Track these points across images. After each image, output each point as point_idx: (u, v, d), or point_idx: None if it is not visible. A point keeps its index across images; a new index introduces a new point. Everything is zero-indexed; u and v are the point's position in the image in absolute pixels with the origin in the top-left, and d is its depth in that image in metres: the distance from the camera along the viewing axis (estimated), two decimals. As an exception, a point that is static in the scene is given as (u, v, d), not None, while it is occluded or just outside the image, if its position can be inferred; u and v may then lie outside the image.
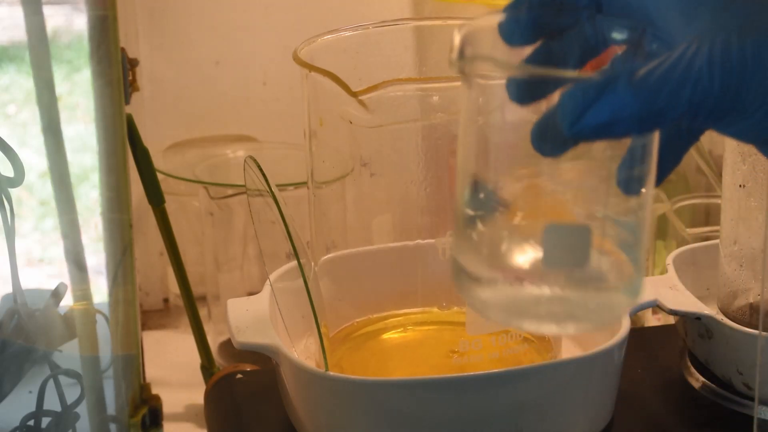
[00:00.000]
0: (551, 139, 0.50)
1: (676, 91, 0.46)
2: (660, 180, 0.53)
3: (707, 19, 0.48)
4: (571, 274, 0.50)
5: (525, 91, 0.50)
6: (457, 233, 0.52)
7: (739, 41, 0.46)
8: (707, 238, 0.97)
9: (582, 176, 0.51)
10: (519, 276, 0.50)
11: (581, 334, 0.82)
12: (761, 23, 0.47)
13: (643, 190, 0.51)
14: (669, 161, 0.53)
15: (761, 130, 0.48)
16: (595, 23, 0.52)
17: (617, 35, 0.52)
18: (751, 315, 0.81)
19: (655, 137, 0.50)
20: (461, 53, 0.50)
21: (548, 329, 0.55)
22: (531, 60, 0.54)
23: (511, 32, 0.53)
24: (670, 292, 0.81)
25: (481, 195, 0.51)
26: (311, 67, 0.73)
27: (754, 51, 0.46)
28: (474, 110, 0.51)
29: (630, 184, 0.50)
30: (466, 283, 0.52)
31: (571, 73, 0.50)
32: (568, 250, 0.49)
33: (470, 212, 0.51)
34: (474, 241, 0.51)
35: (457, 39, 0.50)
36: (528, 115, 0.51)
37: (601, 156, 0.50)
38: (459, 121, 0.52)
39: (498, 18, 0.53)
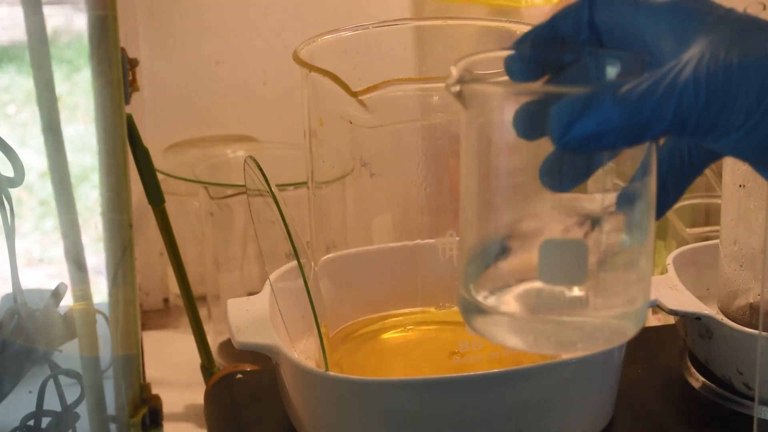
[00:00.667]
0: (560, 175, 0.52)
1: (661, 103, 0.48)
2: (663, 212, 0.54)
3: (698, 39, 0.49)
4: (569, 294, 0.51)
5: (530, 124, 0.51)
6: (462, 268, 0.53)
7: (726, 57, 0.48)
8: (707, 238, 0.97)
9: (584, 203, 0.52)
10: (522, 304, 0.51)
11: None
12: (751, 42, 0.48)
13: (645, 216, 0.52)
14: (672, 193, 0.55)
15: (747, 145, 0.49)
16: (597, 58, 0.54)
17: (617, 68, 0.53)
18: (751, 315, 0.81)
19: (653, 161, 0.51)
20: (460, 79, 0.51)
21: (557, 351, 0.58)
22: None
23: (516, 68, 0.55)
24: (670, 292, 0.81)
25: (487, 229, 0.52)
26: (311, 67, 0.73)
27: (741, 67, 0.48)
28: (474, 136, 0.52)
29: (631, 211, 0.51)
30: (474, 315, 0.53)
31: (560, 88, 0.51)
32: (563, 266, 0.50)
33: (475, 248, 0.52)
34: (477, 273, 0.52)
35: (455, 69, 0.52)
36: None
37: (603, 183, 0.51)
38: (460, 154, 0.53)
39: (496, 54, 0.55)
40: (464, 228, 0.53)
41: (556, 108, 0.48)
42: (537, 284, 0.51)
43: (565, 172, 0.51)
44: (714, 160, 0.55)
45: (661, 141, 0.53)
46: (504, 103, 0.51)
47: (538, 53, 0.54)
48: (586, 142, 0.48)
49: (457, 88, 0.51)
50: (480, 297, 0.52)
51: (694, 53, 0.49)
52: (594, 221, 0.51)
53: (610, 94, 0.48)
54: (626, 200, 0.51)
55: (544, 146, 0.51)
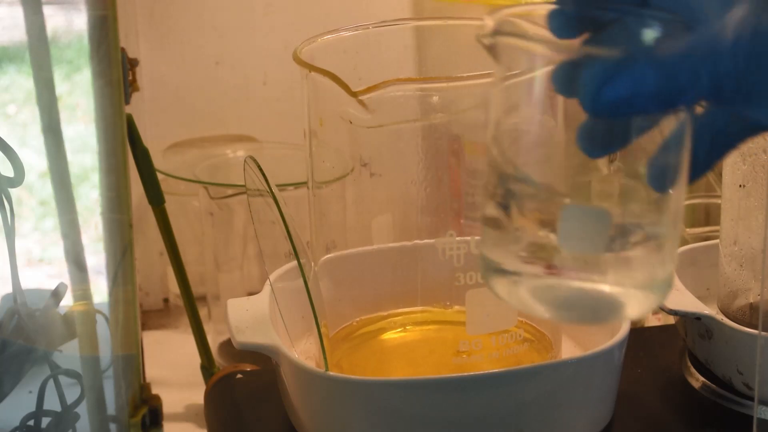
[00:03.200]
0: (598, 140, 0.50)
1: (697, 67, 0.46)
2: (692, 179, 0.52)
3: (743, 2, 0.47)
4: (589, 261, 0.50)
5: (568, 83, 0.49)
6: (483, 225, 0.52)
7: None
8: (707, 238, 0.97)
9: (613, 170, 0.51)
10: (542, 266, 0.50)
11: (581, 333, 0.82)
12: None
13: (673, 187, 0.50)
14: (700, 166, 0.52)
15: None
16: (638, 18, 0.52)
17: (657, 30, 0.51)
18: (751, 315, 0.81)
19: (688, 132, 0.50)
20: (495, 31, 0.50)
21: (574, 318, 0.55)
22: None
23: (557, 24, 0.53)
24: (670, 292, 0.81)
25: (509, 185, 0.51)
26: (311, 67, 0.73)
27: None
28: (503, 92, 0.51)
29: (659, 179, 0.50)
30: (492, 275, 0.52)
31: (595, 49, 0.49)
32: (585, 232, 0.49)
33: (496, 202, 0.51)
34: (498, 232, 0.51)
35: (490, 19, 0.50)
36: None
37: (635, 149, 0.50)
38: (489, 110, 0.52)
39: (534, 8, 0.53)
40: (488, 187, 0.52)
41: (587, 69, 0.46)
42: (558, 249, 0.50)
43: (601, 138, 0.50)
44: (750, 136, 0.52)
45: (698, 109, 0.51)
46: (537, 59, 0.49)
47: (581, 10, 0.53)
48: (618, 107, 0.46)
49: (491, 40, 0.50)
50: (500, 258, 0.51)
51: (737, 15, 0.47)
52: (621, 189, 0.50)
53: (644, 56, 0.46)
54: (656, 171, 0.49)
55: (575, 108, 0.49)
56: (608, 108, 0.46)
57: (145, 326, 1.11)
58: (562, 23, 0.53)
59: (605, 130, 0.50)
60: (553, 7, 0.53)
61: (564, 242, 0.49)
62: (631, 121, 0.49)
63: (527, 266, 0.51)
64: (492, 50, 0.50)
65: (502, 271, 0.51)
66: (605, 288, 0.50)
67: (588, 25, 0.53)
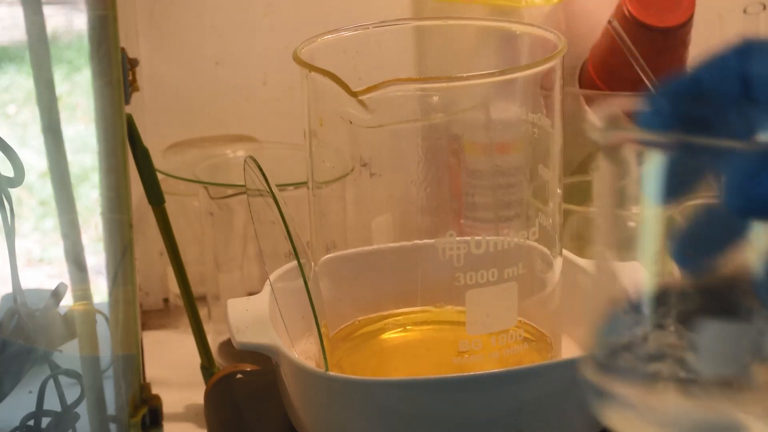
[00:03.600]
0: (697, 253, 0.46)
1: None
2: None
3: None
4: (726, 385, 0.44)
5: (669, 184, 0.45)
6: (591, 343, 0.46)
7: None
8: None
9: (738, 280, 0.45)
10: (671, 396, 0.44)
11: (581, 333, 0.82)
12: None
13: None
14: None
15: None
16: (745, 116, 0.47)
17: None
18: (751, 315, 0.81)
19: None
20: (607, 127, 0.45)
21: None
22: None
23: (652, 123, 0.48)
24: (670, 292, 0.81)
25: (629, 298, 0.45)
26: (311, 67, 0.73)
27: None
28: (619, 193, 0.46)
29: None
30: (606, 402, 0.45)
31: (739, 143, 0.43)
32: (724, 351, 0.43)
33: (611, 321, 0.45)
34: (614, 353, 0.45)
35: (597, 118, 0.45)
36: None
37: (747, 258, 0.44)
38: (594, 206, 0.47)
39: (635, 101, 0.48)
40: (597, 293, 0.46)
41: (734, 165, 0.42)
42: (687, 370, 0.44)
43: (703, 247, 0.45)
44: None
45: None
46: (663, 157, 0.44)
47: (679, 109, 0.47)
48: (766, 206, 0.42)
49: (606, 138, 0.45)
50: (613, 381, 0.45)
51: None
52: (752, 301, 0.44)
53: None
54: None
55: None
56: (758, 207, 0.42)
57: (145, 326, 1.11)
58: (655, 121, 0.47)
59: (708, 238, 0.46)
60: (645, 106, 0.48)
61: (700, 362, 0.43)
62: (746, 225, 0.43)
63: (647, 395, 0.44)
64: (607, 150, 0.45)
65: (615, 399, 0.44)
66: (740, 416, 0.44)
67: (685, 124, 0.48)
